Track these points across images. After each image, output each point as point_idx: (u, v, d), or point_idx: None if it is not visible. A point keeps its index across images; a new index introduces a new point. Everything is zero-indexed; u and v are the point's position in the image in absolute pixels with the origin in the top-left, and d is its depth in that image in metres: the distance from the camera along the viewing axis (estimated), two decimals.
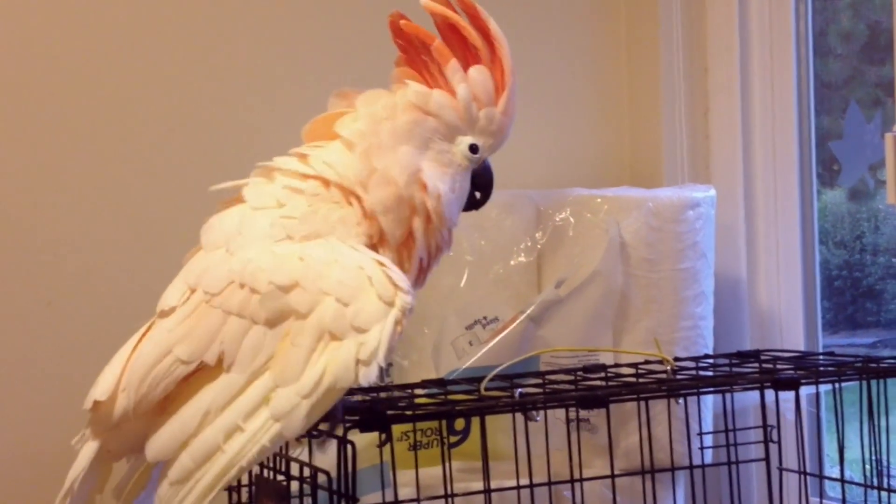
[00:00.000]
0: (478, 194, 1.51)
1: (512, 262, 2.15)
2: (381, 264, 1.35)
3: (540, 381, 1.77)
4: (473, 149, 1.45)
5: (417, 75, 1.45)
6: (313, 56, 2.32)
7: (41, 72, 2.15)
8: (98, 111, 2.18)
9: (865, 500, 1.78)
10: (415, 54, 1.46)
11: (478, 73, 1.43)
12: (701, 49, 2.45)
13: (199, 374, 1.34)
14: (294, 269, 1.33)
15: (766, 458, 1.84)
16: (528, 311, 2.00)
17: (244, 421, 1.29)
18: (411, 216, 1.40)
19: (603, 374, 1.81)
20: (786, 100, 2.35)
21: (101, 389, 1.35)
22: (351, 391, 1.55)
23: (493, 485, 1.60)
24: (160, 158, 2.22)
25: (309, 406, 1.29)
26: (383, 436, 1.48)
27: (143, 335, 1.40)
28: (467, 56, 1.45)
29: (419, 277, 1.44)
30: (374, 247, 1.40)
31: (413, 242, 1.41)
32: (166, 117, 2.22)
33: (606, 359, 1.99)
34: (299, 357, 1.30)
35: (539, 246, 2.17)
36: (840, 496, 1.74)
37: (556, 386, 1.74)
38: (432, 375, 1.98)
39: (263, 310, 1.33)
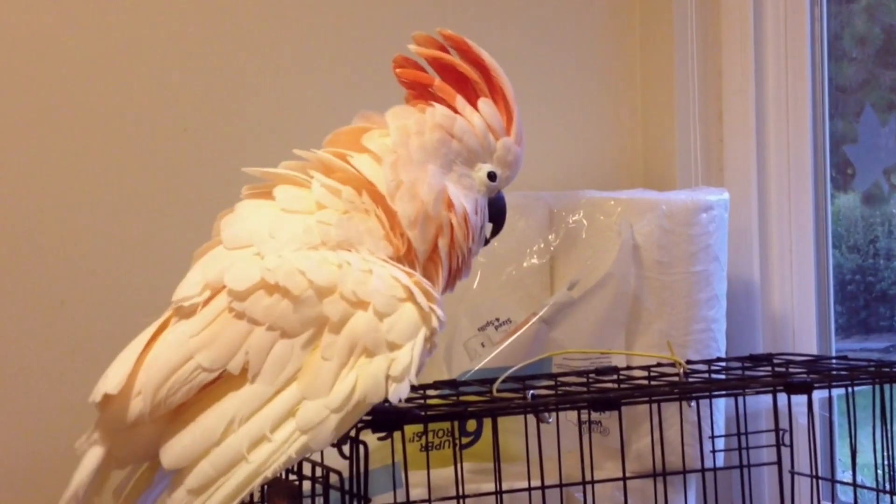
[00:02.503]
0: (490, 225, 1.51)
1: (525, 264, 2.15)
2: (411, 275, 1.35)
3: (552, 382, 1.77)
4: (492, 176, 1.46)
5: (428, 103, 1.45)
6: (321, 60, 2.33)
7: (52, 73, 2.16)
8: (111, 112, 2.19)
9: None
10: (422, 90, 1.46)
11: (486, 105, 1.44)
12: (715, 52, 2.45)
13: (219, 381, 1.33)
14: (332, 273, 1.32)
15: (779, 462, 1.84)
16: (541, 313, 2.00)
17: (271, 432, 1.28)
18: (437, 234, 1.40)
19: (615, 377, 1.81)
20: (800, 103, 2.34)
21: (111, 384, 1.32)
22: None
23: (505, 486, 1.60)
24: (172, 159, 2.22)
25: (338, 420, 1.28)
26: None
27: (156, 333, 1.38)
28: (467, 91, 1.45)
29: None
30: (399, 261, 1.39)
31: (438, 259, 1.41)
32: (178, 118, 2.22)
33: (619, 361, 1.99)
34: (329, 371, 1.29)
35: (552, 248, 2.17)
36: (852, 501, 1.74)
37: (568, 388, 1.73)
38: (444, 376, 1.98)
39: (296, 317, 1.31)
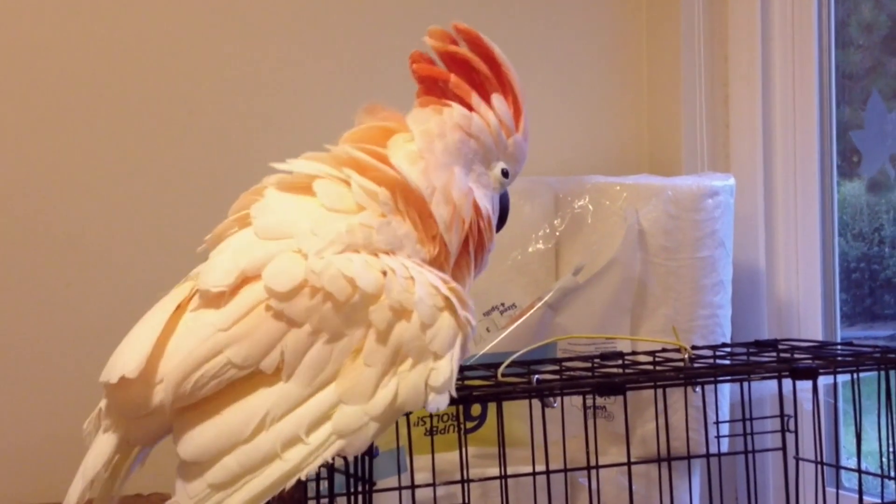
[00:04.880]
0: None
1: (530, 249, 2.15)
2: (447, 282, 1.33)
3: (557, 367, 1.77)
4: (505, 173, 1.46)
5: (443, 103, 1.43)
6: (330, 53, 2.33)
7: (63, 62, 2.18)
8: (118, 99, 2.21)
9: (882, 491, 1.78)
10: (435, 86, 1.44)
11: (498, 102, 1.43)
12: (722, 37, 2.44)
13: (249, 375, 1.29)
14: (378, 280, 1.29)
15: (783, 448, 1.84)
16: (546, 298, 2.00)
17: (305, 434, 1.26)
18: (467, 236, 1.39)
19: (620, 362, 1.81)
20: (807, 89, 2.34)
21: (130, 366, 1.27)
22: None
23: (509, 471, 1.61)
24: (177, 144, 2.23)
25: (377, 427, 1.27)
26: None
27: (176, 312, 1.32)
28: (479, 87, 1.44)
29: None
30: (431, 264, 1.37)
31: (468, 259, 1.40)
32: (182, 107, 2.24)
33: (624, 346, 1.99)
34: (371, 378, 1.27)
35: (557, 233, 2.17)
36: (856, 487, 1.74)
37: (572, 373, 1.73)
38: None
39: (339, 321, 1.28)
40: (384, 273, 1.30)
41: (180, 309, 1.33)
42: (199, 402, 1.29)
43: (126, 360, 1.28)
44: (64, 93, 2.17)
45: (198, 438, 1.27)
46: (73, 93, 2.18)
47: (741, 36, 2.41)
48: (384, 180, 1.37)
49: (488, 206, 1.43)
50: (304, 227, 1.33)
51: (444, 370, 1.28)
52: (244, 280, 1.31)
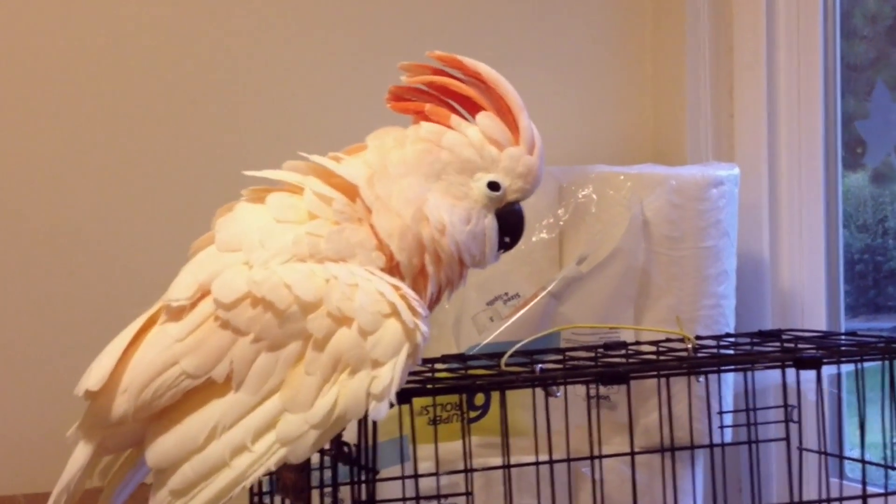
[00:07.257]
0: (506, 238, 1.45)
1: (534, 239, 2.15)
2: (398, 289, 1.32)
3: (560, 357, 1.77)
4: (494, 186, 1.39)
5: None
6: (328, 59, 2.35)
7: (57, 63, 2.20)
8: (119, 92, 2.22)
9: (886, 482, 1.78)
10: (422, 115, 1.42)
11: (485, 118, 1.39)
12: (727, 26, 2.44)
13: (204, 385, 1.32)
14: (319, 287, 1.30)
15: (787, 438, 1.83)
16: (550, 288, 2.00)
17: (252, 442, 1.29)
18: (421, 250, 1.37)
19: (623, 352, 1.81)
20: (812, 79, 2.33)
21: (93, 380, 1.33)
22: None
23: (513, 460, 1.60)
24: (180, 139, 2.25)
25: (317, 435, 1.28)
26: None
27: (143, 327, 1.37)
28: (469, 107, 1.41)
29: (429, 308, 1.40)
30: (390, 272, 1.36)
31: (427, 272, 1.38)
32: (186, 102, 2.25)
33: (627, 336, 1.99)
34: (311, 386, 1.29)
35: (561, 222, 2.16)
36: (860, 477, 1.74)
37: (576, 362, 1.73)
38: (453, 350, 1.98)
39: (281, 331, 1.30)
40: (327, 281, 1.31)
41: (151, 323, 1.37)
42: (164, 412, 1.33)
43: (92, 374, 1.33)
44: (70, 89, 2.19)
45: (162, 446, 1.32)
46: (81, 89, 2.20)
47: (746, 26, 2.41)
48: (343, 186, 1.38)
49: (448, 215, 1.37)
50: (254, 239, 1.36)
51: (385, 378, 1.28)
52: (203, 294, 1.35)
